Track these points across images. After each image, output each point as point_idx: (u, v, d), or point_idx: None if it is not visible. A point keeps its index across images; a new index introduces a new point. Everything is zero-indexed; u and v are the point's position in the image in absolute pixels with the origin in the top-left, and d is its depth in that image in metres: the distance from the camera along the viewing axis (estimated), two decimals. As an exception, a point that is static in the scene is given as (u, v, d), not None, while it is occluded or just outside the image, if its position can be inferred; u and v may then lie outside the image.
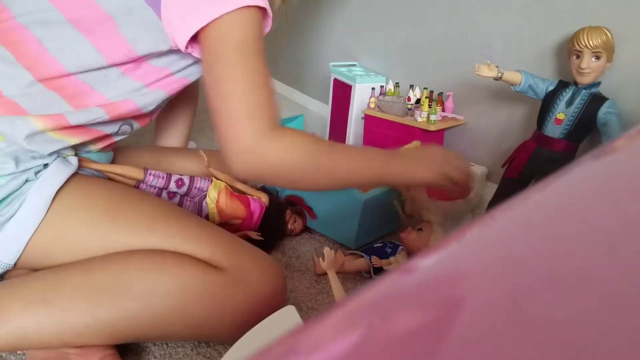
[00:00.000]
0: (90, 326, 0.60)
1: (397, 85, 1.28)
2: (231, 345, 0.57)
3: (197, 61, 0.75)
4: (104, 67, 0.68)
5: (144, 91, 0.74)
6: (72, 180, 0.68)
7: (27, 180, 0.64)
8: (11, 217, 0.63)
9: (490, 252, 0.22)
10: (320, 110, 1.64)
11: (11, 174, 0.63)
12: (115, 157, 0.90)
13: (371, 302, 0.19)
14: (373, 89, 1.29)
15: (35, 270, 0.68)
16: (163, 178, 0.89)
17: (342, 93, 1.36)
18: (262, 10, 0.64)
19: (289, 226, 1.02)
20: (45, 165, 0.66)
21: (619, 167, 0.30)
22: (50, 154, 0.67)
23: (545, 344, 0.14)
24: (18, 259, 0.64)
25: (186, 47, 0.65)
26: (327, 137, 1.50)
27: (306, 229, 1.08)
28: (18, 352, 0.68)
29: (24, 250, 0.64)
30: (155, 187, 0.89)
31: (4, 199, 0.63)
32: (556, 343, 0.15)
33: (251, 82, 0.61)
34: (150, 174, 0.88)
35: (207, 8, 0.60)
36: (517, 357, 0.14)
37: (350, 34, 1.50)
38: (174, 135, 1.13)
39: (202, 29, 0.61)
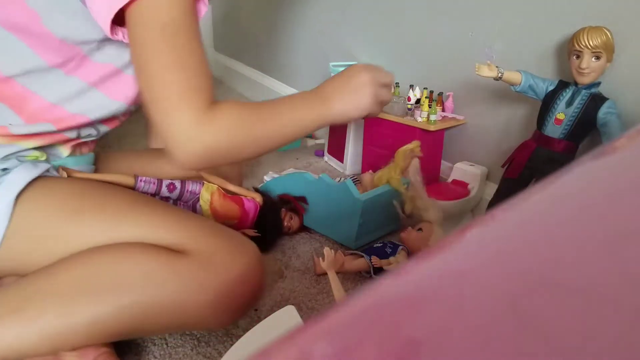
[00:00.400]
0: (63, 331, 0.59)
1: (397, 85, 1.28)
2: (231, 344, 0.57)
3: None
4: (45, 69, 0.66)
5: (98, 98, 0.71)
6: (35, 183, 0.66)
7: None
8: None
9: (490, 252, 0.22)
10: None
11: None
12: (100, 162, 0.88)
13: (369, 302, 0.19)
14: (373, 89, 1.29)
15: (18, 273, 0.67)
16: (154, 183, 0.88)
17: (342, 93, 1.36)
18: None
19: (285, 223, 1.03)
20: (4, 170, 0.65)
21: (619, 167, 0.30)
22: (5, 158, 0.66)
23: (544, 345, 0.15)
24: None
25: (113, 33, 0.61)
26: (327, 138, 1.50)
27: (306, 229, 1.08)
28: None
29: None
30: (147, 193, 0.88)
31: None
32: (555, 344, 0.15)
33: (179, 64, 0.57)
34: (141, 181, 0.87)
35: None
36: (516, 357, 0.14)
37: (350, 34, 1.50)
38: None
39: (127, 10, 0.56)
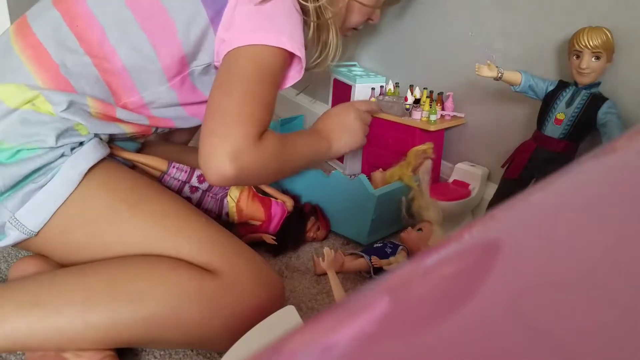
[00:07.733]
0: (82, 330, 0.59)
1: (397, 85, 1.28)
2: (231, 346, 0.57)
3: None
4: (155, 71, 0.74)
5: (181, 112, 0.81)
6: (103, 162, 0.71)
7: (62, 155, 0.67)
8: (42, 186, 0.65)
9: (489, 252, 0.22)
10: (320, 110, 1.63)
11: (50, 147, 0.66)
12: (141, 150, 0.92)
13: (365, 302, 0.19)
14: (373, 89, 1.29)
15: (47, 254, 0.70)
16: (186, 172, 0.91)
17: (342, 93, 1.36)
18: (294, 56, 0.74)
19: (311, 234, 1.01)
20: (81, 144, 0.69)
21: (619, 167, 0.30)
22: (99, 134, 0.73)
23: (545, 345, 0.15)
24: (41, 229, 0.66)
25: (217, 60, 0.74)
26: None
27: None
28: (18, 352, 0.68)
29: (48, 220, 0.66)
30: (178, 180, 0.90)
31: (39, 168, 0.65)
32: (555, 344, 0.15)
33: (259, 96, 0.70)
34: (173, 167, 0.89)
35: (253, 34, 0.70)
36: (516, 358, 0.14)
37: (350, 35, 1.50)
38: (180, 135, 1.13)
39: (238, 47, 0.70)
